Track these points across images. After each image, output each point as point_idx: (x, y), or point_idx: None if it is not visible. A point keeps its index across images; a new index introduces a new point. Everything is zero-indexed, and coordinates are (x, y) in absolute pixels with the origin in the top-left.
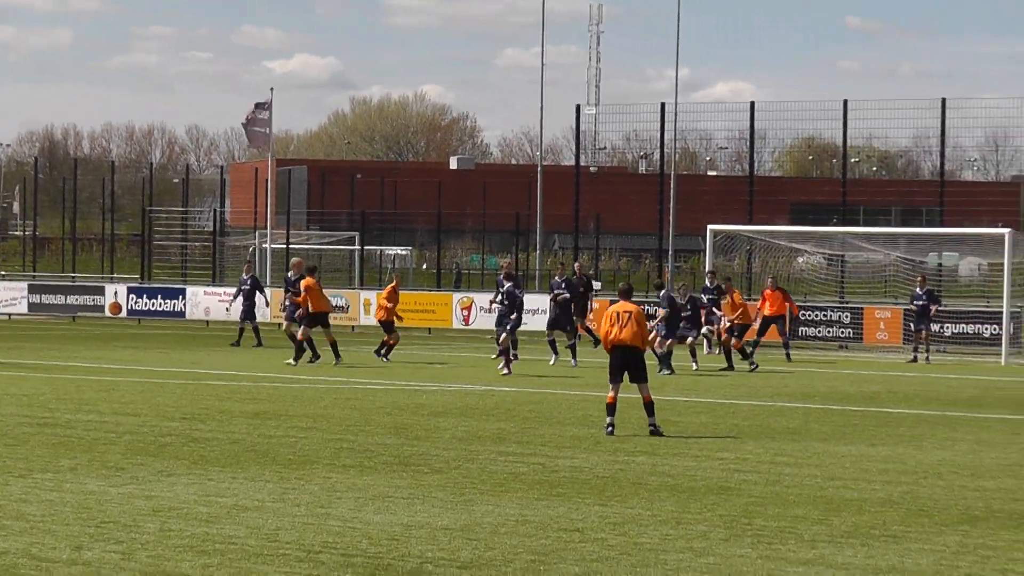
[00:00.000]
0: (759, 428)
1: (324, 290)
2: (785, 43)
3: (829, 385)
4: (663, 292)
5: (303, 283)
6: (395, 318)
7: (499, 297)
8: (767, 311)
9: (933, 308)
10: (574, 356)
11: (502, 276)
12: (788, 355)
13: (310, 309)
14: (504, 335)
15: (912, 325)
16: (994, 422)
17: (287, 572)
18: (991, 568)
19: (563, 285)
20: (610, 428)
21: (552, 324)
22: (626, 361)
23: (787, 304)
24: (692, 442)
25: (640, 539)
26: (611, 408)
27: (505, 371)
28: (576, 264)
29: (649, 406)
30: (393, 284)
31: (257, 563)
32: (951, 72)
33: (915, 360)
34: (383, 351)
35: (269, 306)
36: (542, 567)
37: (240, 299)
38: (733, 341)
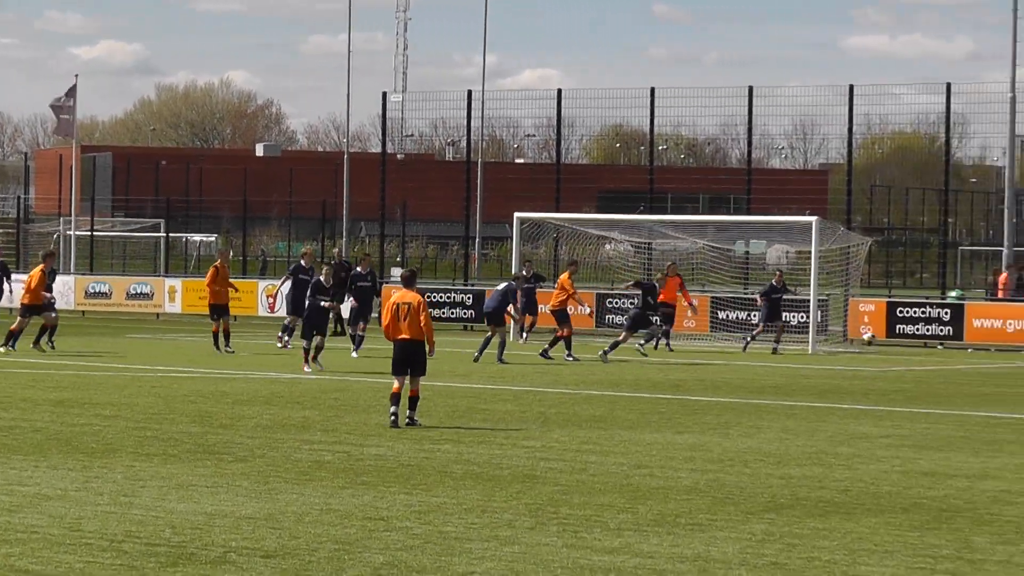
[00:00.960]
0: (565, 416)
1: (132, 278)
2: (592, 30)
3: (635, 373)
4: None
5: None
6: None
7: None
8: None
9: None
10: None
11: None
12: (668, 344)
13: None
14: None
15: (758, 317)
16: (800, 410)
17: (90, 562)
18: (797, 556)
19: (368, 277)
20: (393, 418)
21: (355, 317)
22: (407, 354)
23: (680, 293)
24: (498, 430)
25: (445, 528)
26: (395, 397)
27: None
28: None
29: (414, 400)
30: (216, 264)
31: (59, 552)
32: (757, 59)
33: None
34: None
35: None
36: (347, 556)
37: None
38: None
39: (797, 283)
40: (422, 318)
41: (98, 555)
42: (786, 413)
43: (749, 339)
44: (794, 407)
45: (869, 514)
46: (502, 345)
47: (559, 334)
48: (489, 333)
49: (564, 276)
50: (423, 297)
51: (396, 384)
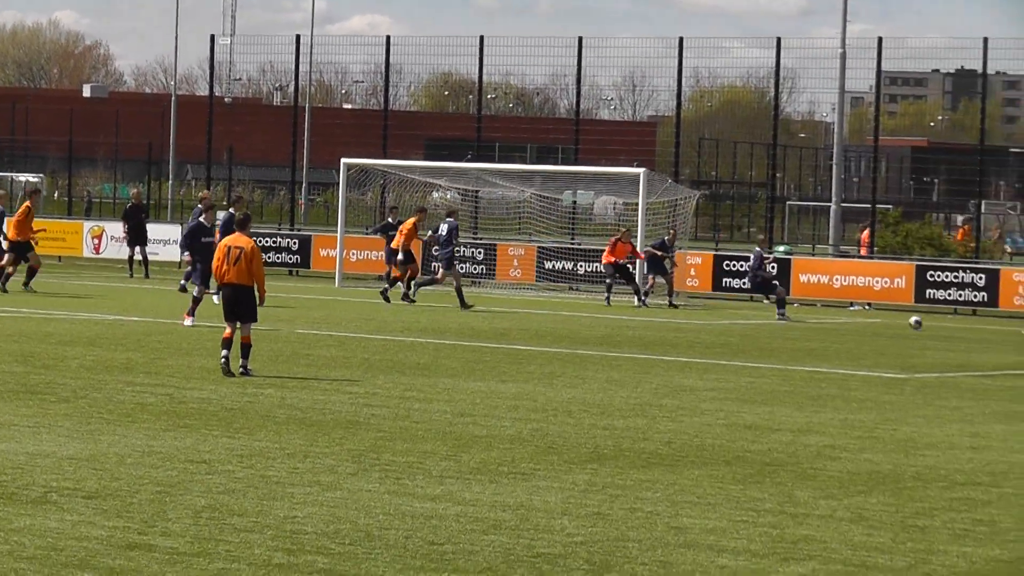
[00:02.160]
0: (389, 363)
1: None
2: None
3: (460, 321)
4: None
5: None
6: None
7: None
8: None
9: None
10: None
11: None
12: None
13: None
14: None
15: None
16: (624, 361)
17: None
18: (620, 506)
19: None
20: (224, 362)
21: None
22: (235, 299)
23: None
24: (322, 376)
25: (267, 472)
26: (226, 342)
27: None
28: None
29: (245, 348)
30: (27, 204)
31: None
32: (589, 10)
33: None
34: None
35: None
36: (168, 498)
37: None
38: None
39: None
40: (254, 264)
41: None
42: (611, 364)
43: (643, 295)
44: (619, 358)
45: (692, 466)
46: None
47: (396, 275)
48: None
49: (409, 222)
50: (255, 242)
51: (228, 329)
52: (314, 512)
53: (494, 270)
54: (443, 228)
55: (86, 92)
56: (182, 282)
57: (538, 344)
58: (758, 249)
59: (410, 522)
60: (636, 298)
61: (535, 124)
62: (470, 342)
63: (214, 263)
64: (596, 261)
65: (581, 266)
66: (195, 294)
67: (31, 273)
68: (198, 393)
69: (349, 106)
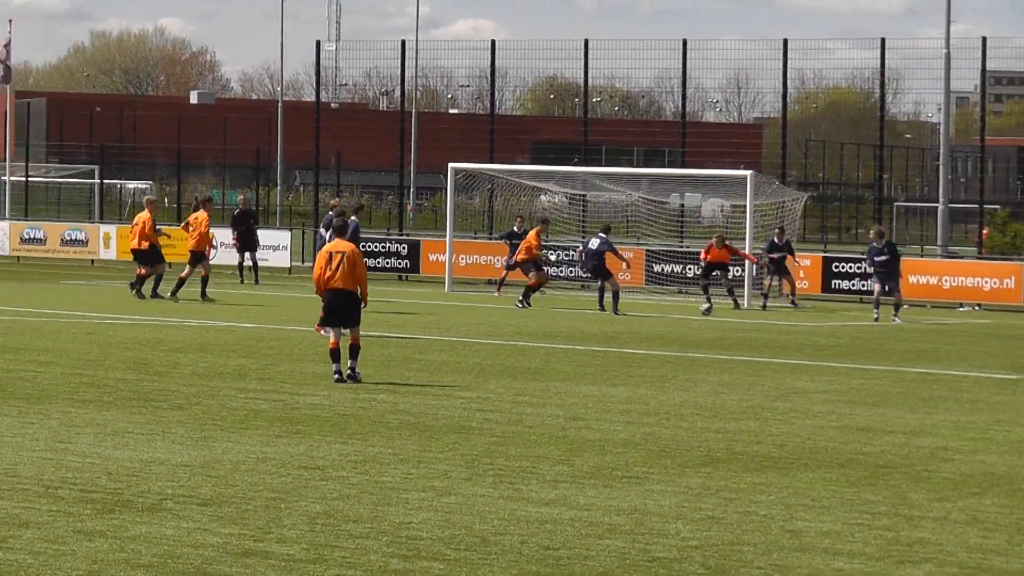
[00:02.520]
0: (501, 367)
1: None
2: None
3: (571, 325)
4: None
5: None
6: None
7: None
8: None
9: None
10: None
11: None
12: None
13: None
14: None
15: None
16: (736, 364)
17: (26, 507)
18: (733, 510)
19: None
20: (337, 376)
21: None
22: (340, 303)
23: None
24: (434, 381)
25: (381, 478)
26: (335, 354)
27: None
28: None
29: (354, 349)
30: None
31: None
32: (690, 11)
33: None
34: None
35: None
36: (283, 505)
37: None
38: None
39: (732, 237)
40: (357, 268)
41: (34, 501)
42: (722, 367)
43: (764, 299)
44: (730, 361)
45: (806, 469)
46: (615, 296)
47: (531, 283)
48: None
49: (532, 233)
50: (357, 247)
51: (332, 338)
52: (429, 518)
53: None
54: (594, 242)
55: (193, 99)
56: None
57: (649, 347)
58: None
59: (525, 527)
60: (733, 301)
61: (641, 127)
62: (581, 346)
63: (315, 271)
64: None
65: (689, 269)
66: None
67: (144, 280)
68: (311, 399)
69: (455, 111)
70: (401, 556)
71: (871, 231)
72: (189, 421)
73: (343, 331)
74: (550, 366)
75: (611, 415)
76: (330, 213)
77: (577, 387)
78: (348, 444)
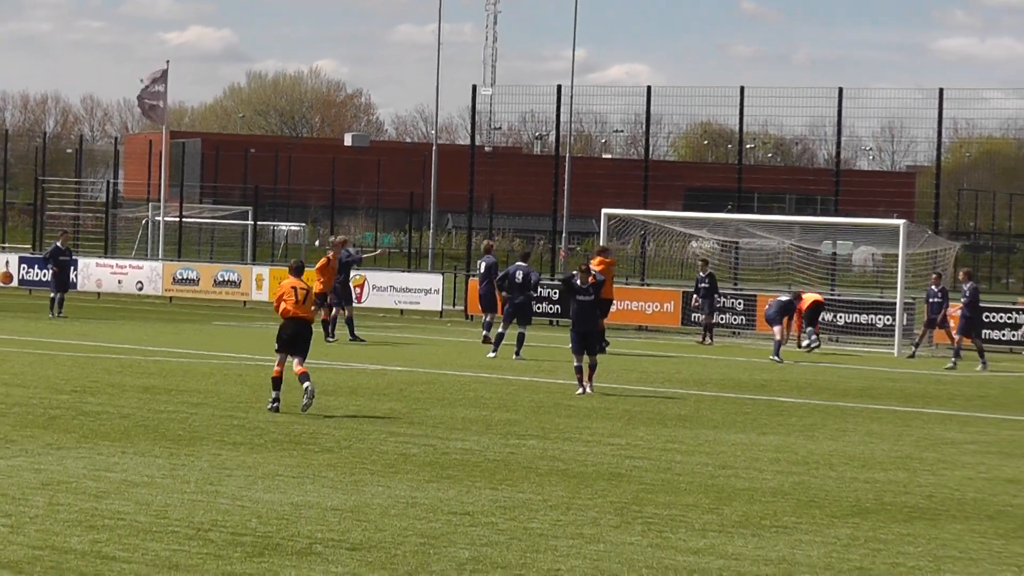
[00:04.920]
0: (651, 414)
1: (219, 265)
2: (681, 26)
3: (721, 372)
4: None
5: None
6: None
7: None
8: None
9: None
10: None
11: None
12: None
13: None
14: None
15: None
16: (885, 413)
17: (176, 550)
18: (882, 561)
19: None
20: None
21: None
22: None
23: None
24: (584, 427)
25: (530, 524)
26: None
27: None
28: (486, 243)
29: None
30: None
31: (146, 540)
32: (844, 60)
33: (913, 356)
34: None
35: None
36: (432, 550)
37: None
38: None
39: (884, 286)
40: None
41: (184, 543)
42: (871, 416)
43: (914, 347)
44: (879, 411)
45: (954, 520)
46: (777, 344)
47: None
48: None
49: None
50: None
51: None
52: (577, 565)
53: (754, 320)
54: (783, 298)
55: (347, 141)
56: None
57: (799, 396)
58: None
59: (673, 575)
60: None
61: (794, 174)
62: (731, 393)
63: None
64: (856, 312)
65: (841, 317)
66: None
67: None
68: (461, 444)
69: (608, 155)
70: None
71: None
72: (339, 465)
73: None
74: (700, 413)
75: (760, 464)
76: (489, 256)
77: (727, 435)
78: (498, 490)
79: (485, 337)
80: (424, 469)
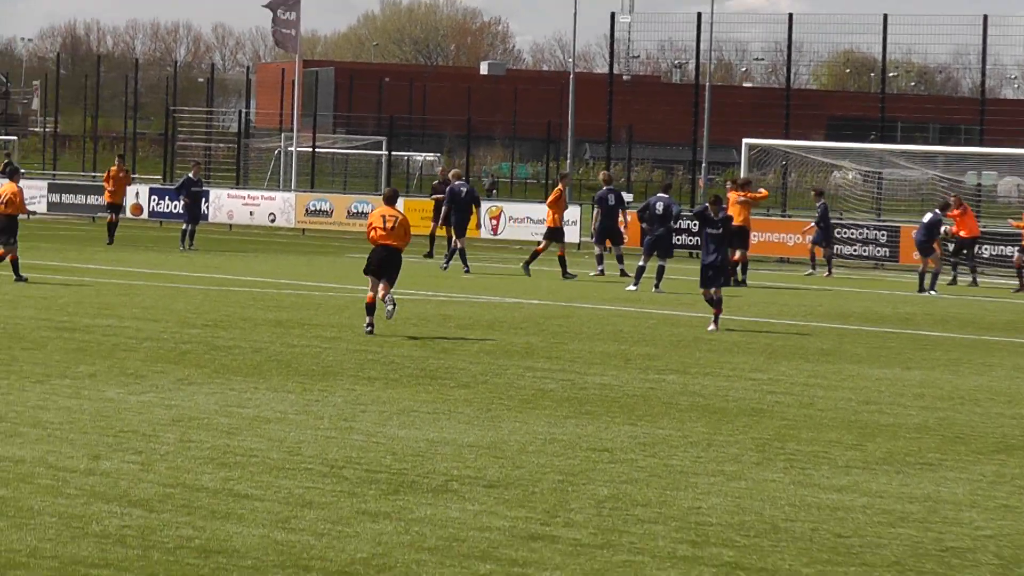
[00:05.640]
0: (792, 348)
1: (353, 196)
2: None
3: (864, 306)
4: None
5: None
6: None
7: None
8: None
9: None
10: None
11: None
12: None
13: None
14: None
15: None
16: None
17: (309, 487)
18: None
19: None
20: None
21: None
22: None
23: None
24: (724, 361)
25: (671, 461)
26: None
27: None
28: (603, 174)
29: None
30: (560, 187)
31: (279, 477)
32: None
33: None
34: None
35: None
36: (570, 488)
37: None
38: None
39: None
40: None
41: (318, 481)
42: (1018, 351)
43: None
44: None
45: None
46: (934, 276)
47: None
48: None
49: None
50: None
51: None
52: (718, 503)
53: (898, 253)
54: (927, 217)
55: (483, 70)
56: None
57: (943, 330)
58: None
59: (816, 514)
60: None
61: (938, 103)
62: (874, 327)
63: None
64: (1001, 244)
65: (986, 249)
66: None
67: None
68: (599, 379)
69: (748, 84)
70: (690, 542)
71: None
72: (475, 400)
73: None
74: (843, 348)
75: (904, 399)
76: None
77: (870, 370)
78: (637, 426)
79: (601, 271)
80: (562, 405)
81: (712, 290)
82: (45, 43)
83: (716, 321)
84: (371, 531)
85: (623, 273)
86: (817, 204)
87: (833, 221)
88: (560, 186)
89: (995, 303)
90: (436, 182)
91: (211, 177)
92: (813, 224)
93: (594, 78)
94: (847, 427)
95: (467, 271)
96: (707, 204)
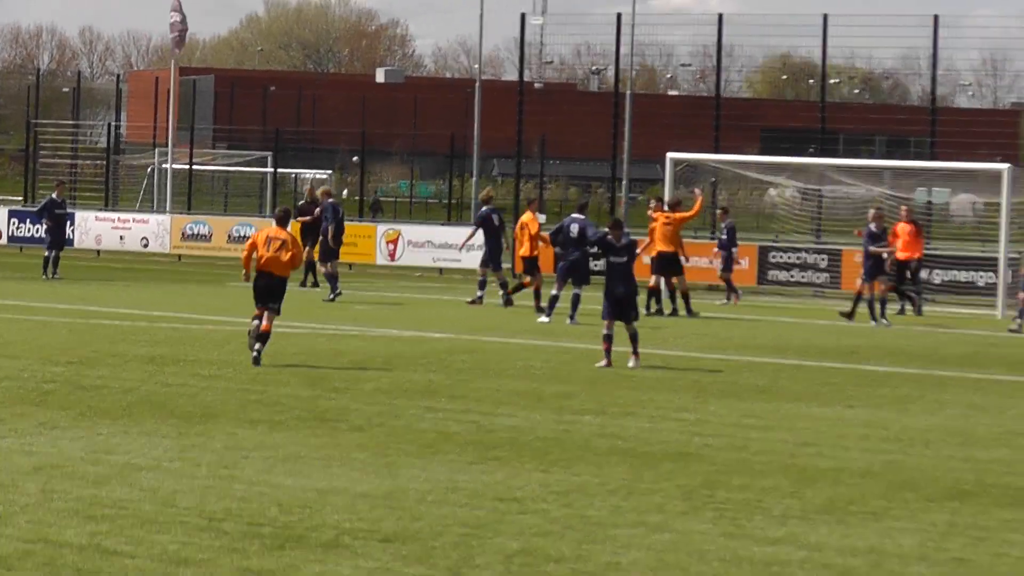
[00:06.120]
0: (723, 386)
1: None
2: None
3: (803, 337)
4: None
5: None
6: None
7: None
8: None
9: None
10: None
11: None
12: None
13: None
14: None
15: None
16: (988, 383)
17: (185, 543)
18: (984, 551)
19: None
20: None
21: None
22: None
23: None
24: (647, 400)
25: (587, 511)
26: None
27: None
28: (484, 191)
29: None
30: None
31: (151, 531)
32: None
33: None
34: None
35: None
36: (475, 541)
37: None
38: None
39: (985, 239)
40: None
41: (195, 535)
42: (972, 387)
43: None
44: (981, 380)
45: None
46: (882, 303)
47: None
48: None
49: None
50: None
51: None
52: (640, 558)
53: (839, 278)
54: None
55: (380, 77)
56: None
57: (890, 364)
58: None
59: (748, 569)
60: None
61: (884, 112)
62: (814, 361)
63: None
64: (954, 268)
65: (937, 275)
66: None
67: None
68: (508, 420)
69: (675, 92)
70: None
71: None
72: (370, 445)
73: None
74: (779, 384)
75: (847, 441)
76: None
77: (809, 409)
78: (549, 473)
79: (479, 298)
80: (466, 449)
81: (625, 325)
82: None
83: (637, 355)
84: None
85: (507, 302)
86: (723, 224)
87: (767, 243)
88: (530, 211)
89: (947, 334)
90: (303, 202)
91: (77, 198)
92: (718, 249)
93: (503, 86)
94: (783, 472)
95: (333, 296)
96: (607, 229)
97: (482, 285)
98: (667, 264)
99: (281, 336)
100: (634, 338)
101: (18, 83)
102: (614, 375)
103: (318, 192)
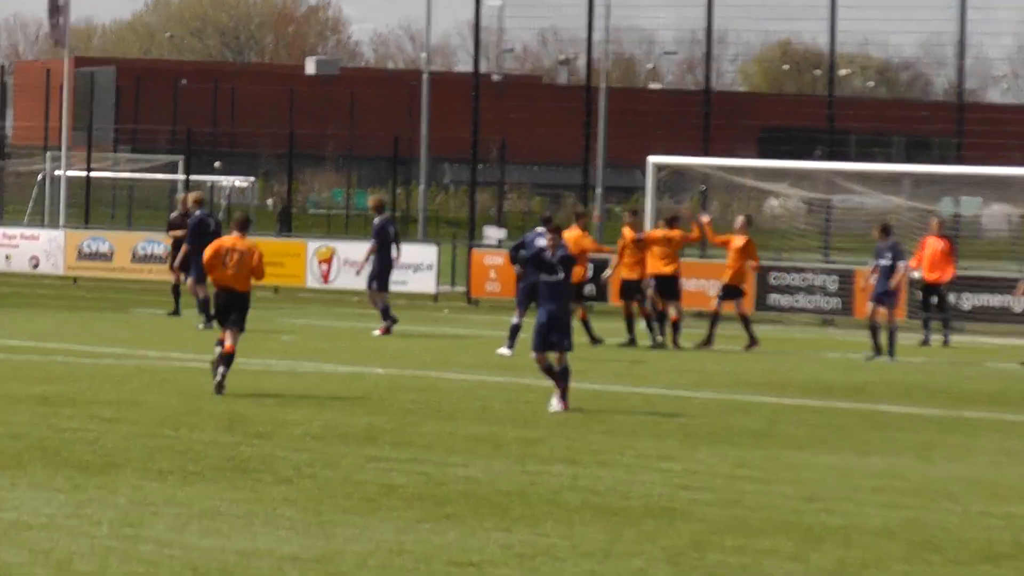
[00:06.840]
0: (714, 429)
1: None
2: None
3: (807, 373)
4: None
5: None
6: None
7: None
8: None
9: None
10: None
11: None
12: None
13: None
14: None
15: None
16: (1022, 427)
17: None
18: None
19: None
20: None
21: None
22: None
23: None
24: (626, 447)
25: None
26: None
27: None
28: (372, 199)
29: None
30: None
31: None
32: None
33: None
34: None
35: None
36: None
37: None
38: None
39: (1022, 257)
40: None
41: None
42: (1005, 430)
43: None
44: (1016, 422)
45: None
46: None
47: None
48: None
49: None
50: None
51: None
52: None
53: (851, 303)
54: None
55: (310, 68)
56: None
57: (908, 403)
58: None
59: None
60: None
61: (903, 109)
62: (818, 401)
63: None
64: (988, 292)
65: (966, 299)
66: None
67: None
68: (463, 471)
69: (657, 86)
70: None
71: None
72: (300, 500)
73: None
74: (778, 428)
75: (859, 495)
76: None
77: (814, 457)
78: (512, 532)
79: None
80: (414, 505)
81: (554, 355)
82: None
83: (563, 398)
84: None
85: (387, 329)
86: None
87: (767, 263)
88: (578, 227)
89: (974, 368)
90: (175, 214)
91: None
92: None
93: (455, 79)
94: (785, 531)
95: (207, 324)
96: (543, 244)
97: (387, 312)
98: (665, 288)
99: (193, 371)
100: (563, 374)
101: None
102: (584, 418)
103: (190, 201)
